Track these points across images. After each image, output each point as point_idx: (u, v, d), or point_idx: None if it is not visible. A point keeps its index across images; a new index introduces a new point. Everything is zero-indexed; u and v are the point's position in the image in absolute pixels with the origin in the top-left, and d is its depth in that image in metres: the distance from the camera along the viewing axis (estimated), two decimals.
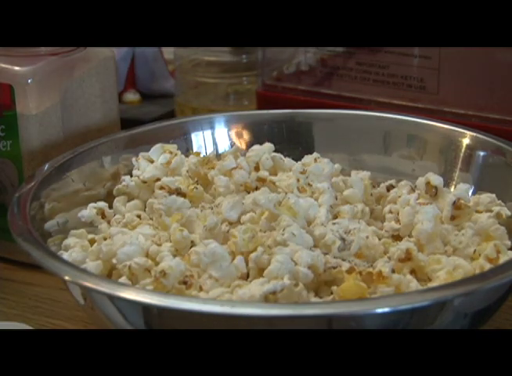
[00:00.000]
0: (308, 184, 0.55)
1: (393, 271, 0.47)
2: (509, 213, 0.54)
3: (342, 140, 0.66)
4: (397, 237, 0.54)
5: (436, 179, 0.56)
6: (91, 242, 0.54)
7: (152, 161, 0.60)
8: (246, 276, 0.49)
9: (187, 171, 0.59)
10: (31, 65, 0.60)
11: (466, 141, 0.61)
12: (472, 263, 0.50)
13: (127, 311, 0.45)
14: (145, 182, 0.59)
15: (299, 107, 0.68)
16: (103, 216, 0.57)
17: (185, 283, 0.47)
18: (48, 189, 0.56)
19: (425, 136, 0.63)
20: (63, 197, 0.57)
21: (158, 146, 0.61)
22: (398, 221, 0.54)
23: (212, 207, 0.55)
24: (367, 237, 0.50)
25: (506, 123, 0.67)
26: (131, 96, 0.92)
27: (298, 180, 0.55)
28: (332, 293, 0.46)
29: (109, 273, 0.52)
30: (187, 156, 0.62)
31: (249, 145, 0.64)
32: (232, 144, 0.66)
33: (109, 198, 0.59)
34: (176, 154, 0.60)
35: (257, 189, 0.55)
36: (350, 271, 0.46)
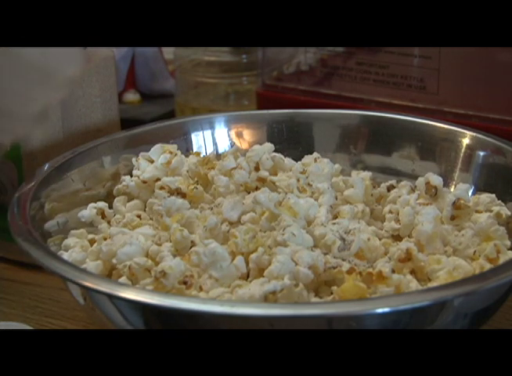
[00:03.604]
0: (308, 184, 0.55)
1: (393, 271, 0.47)
2: (509, 213, 0.54)
3: (342, 140, 0.66)
4: (397, 237, 0.54)
5: (436, 179, 0.56)
6: (91, 242, 0.54)
7: (152, 161, 0.60)
8: (246, 276, 0.49)
9: (187, 171, 0.59)
10: None
11: (466, 141, 0.61)
12: (472, 263, 0.50)
13: (127, 311, 0.45)
14: (145, 182, 0.59)
15: (299, 107, 0.68)
16: (103, 216, 0.57)
17: (185, 283, 0.47)
18: (48, 189, 0.56)
19: (425, 136, 0.63)
20: (63, 197, 0.57)
21: (158, 146, 0.61)
22: (398, 221, 0.54)
23: (212, 207, 0.55)
24: (368, 239, 0.50)
25: (506, 123, 0.67)
26: (131, 96, 0.92)
27: (298, 180, 0.55)
28: (332, 293, 0.46)
29: (109, 273, 0.52)
30: (187, 156, 0.62)
31: (249, 145, 0.64)
32: (232, 144, 0.66)
33: (109, 198, 0.59)
34: (176, 154, 0.60)
35: (257, 189, 0.55)
36: (350, 271, 0.46)
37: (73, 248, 0.53)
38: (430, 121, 0.64)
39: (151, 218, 0.56)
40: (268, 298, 0.44)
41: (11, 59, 0.25)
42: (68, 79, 0.27)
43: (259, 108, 0.77)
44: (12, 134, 0.25)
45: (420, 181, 0.57)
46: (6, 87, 0.24)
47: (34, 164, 0.60)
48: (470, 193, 0.57)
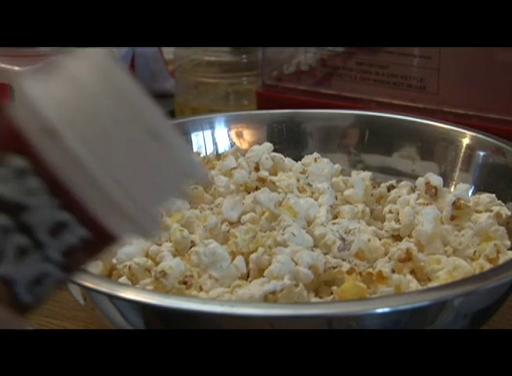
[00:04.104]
0: (308, 184, 0.55)
1: (393, 271, 0.47)
2: (509, 213, 0.54)
3: (342, 140, 0.66)
4: (397, 237, 0.54)
5: (436, 179, 0.56)
6: None
7: None
8: (246, 276, 0.49)
9: None
10: (31, 65, 0.60)
11: (466, 141, 0.61)
12: (472, 263, 0.50)
13: (127, 311, 0.45)
14: None
15: (299, 107, 0.68)
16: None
17: (185, 283, 0.47)
18: None
19: (425, 136, 0.63)
20: None
21: None
22: (398, 221, 0.54)
23: (212, 207, 0.55)
24: (369, 240, 0.50)
25: (506, 123, 0.67)
26: None
27: (298, 180, 0.55)
28: (332, 293, 0.46)
29: (109, 273, 0.52)
30: None
31: (249, 145, 0.64)
32: (232, 144, 0.66)
33: None
34: None
35: (257, 189, 0.55)
36: (350, 271, 0.46)
37: None
38: (430, 121, 0.64)
39: None
40: (268, 298, 0.44)
41: (167, 149, 0.24)
42: (191, 183, 0.27)
43: (259, 108, 0.77)
44: (132, 224, 0.24)
45: (420, 181, 0.57)
46: (143, 170, 0.24)
47: None
48: (470, 193, 0.57)
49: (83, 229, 0.24)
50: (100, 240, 0.25)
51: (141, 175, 0.24)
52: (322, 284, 0.48)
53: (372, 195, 0.58)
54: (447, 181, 0.59)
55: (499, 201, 0.55)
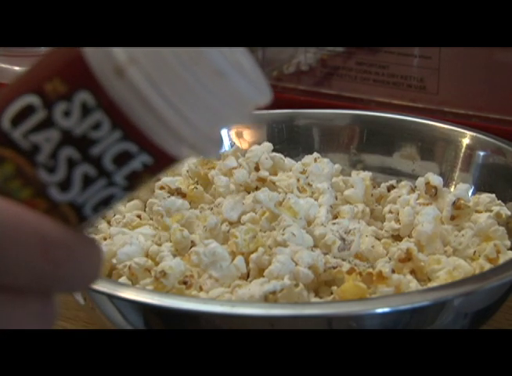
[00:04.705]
0: (308, 184, 0.55)
1: (393, 271, 0.47)
2: (509, 213, 0.54)
3: (342, 140, 0.66)
4: (397, 237, 0.54)
5: (436, 179, 0.56)
6: None
7: None
8: (246, 276, 0.49)
9: (187, 171, 0.59)
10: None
11: (466, 141, 0.61)
12: (472, 263, 0.50)
13: (127, 311, 0.45)
14: None
15: (299, 107, 0.68)
16: (103, 216, 0.57)
17: (185, 283, 0.47)
18: None
19: (425, 136, 0.63)
20: None
21: None
22: (398, 221, 0.54)
23: (212, 207, 0.55)
24: (373, 247, 0.50)
25: (506, 123, 0.67)
26: None
27: (298, 180, 0.55)
28: (332, 293, 0.46)
29: (109, 273, 0.52)
30: None
31: (249, 145, 0.64)
32: (233, 144, 0.66)
33: None
34: None
35: (257, 189, 0.56)
36: (350, 272, 0.46)
37: None
38: (430, 121, 0.64)
39: (151, 218, 0.56)
40: (268, 298, 0.44)
41: (220, 80, 0.27)
42: (255, 107, 0.29)
43: (259, 108, 0.77)
44: (193, 150, 0.27)
45: (420, 181, 0.57)
46: (207, 104, 0.26)
47: None
48: (470, 193, 0.57)
49: (146, 156, 0.26)
50: (162, 162, 0.27)
51: (200, 104, 0.27)
52: (322, 284, 0.48)
53: (372, 195, 0.58)
54: (447, 181, 0.60)
55: (499, 201, 0.55)
